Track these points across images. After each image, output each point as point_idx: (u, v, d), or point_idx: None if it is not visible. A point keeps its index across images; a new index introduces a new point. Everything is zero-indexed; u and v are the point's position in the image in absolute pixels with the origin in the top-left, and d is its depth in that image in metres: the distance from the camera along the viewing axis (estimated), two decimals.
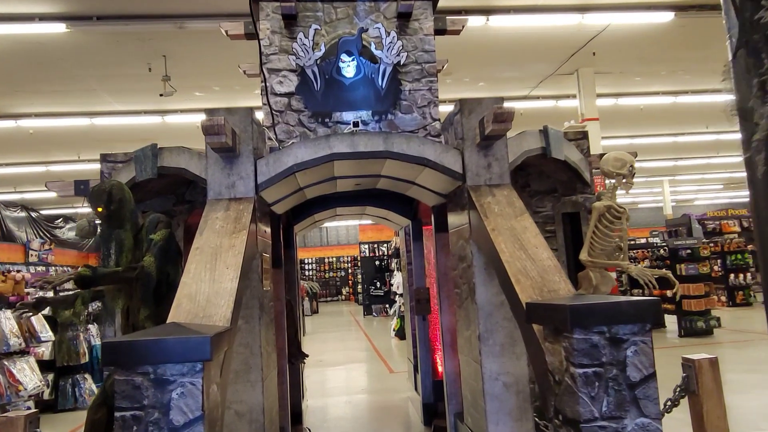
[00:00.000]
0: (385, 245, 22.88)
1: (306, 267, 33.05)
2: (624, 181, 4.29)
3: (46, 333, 7.87)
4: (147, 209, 4.55)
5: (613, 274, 4.66)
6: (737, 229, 20.95)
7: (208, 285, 3.05)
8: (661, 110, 15.39)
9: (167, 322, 2.74)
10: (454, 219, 4.43)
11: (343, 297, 32.79)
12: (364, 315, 21.04)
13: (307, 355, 6.35)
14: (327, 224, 30.41)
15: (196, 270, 3.16)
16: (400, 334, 14.39)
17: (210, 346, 2.16)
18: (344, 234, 34.16)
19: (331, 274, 33.50)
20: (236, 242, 3.38)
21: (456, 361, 5.23)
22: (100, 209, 3.99)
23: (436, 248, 5.37)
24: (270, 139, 4.97)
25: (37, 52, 9.44)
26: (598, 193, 4.44)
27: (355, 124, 4.82)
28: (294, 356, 5.74)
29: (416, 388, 7.45)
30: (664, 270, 4.30)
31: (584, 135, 5.32)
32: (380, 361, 11.41)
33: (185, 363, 2.16)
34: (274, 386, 4.28)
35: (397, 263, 16.39)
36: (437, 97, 5.36)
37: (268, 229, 4.46)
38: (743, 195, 29.21)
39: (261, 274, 3.94)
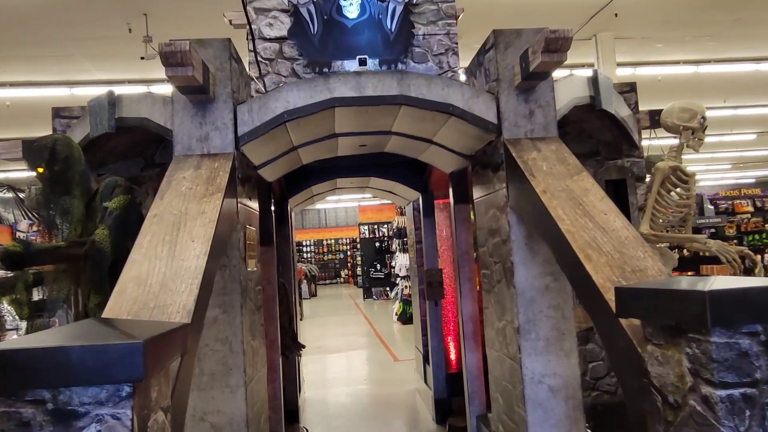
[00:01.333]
0: (386, 226, 22.06)
1: (304, 249, 32.34)
2: (693, 136, 3.47)
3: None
4: (108, 174, 3.72)
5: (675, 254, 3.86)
6: (750, 208, 20.24)
7: (166, 264, 2.24)
8: (680, 82, 14.46)
9: (100, 316, 1.93)
10: (483, 184, 3.61)
11: (342, 280, 32.12)
12: (364, 298, 20.31)
13: (304, 346, 5.58)
14: (326, 205, 29.63)
15: (152, 244, 2.35)
16: (403, 318, 13.66)
17: (143, 357, 1.36)
18: (343, 216, 33.41)
19: (330, 256, 32.83)
20: (208, 208, 2.56)
21: (479, 355, 4.45)
22: (40, 169, 3.17)
23: (454, 222, 4.55)
24: (257, 92, 4.12)
25: (7, 12, 8.51)
26: (645, 159, 3.63)
27: (361, 62, 3.95)
28: (288, 348, 4.96)
29: (426, 380, 6.70)
30: (743, 248, 3.49)
31: (632, 87, 4.48)
32: (383, 348, 10.68)
33: (104, 385, 1.36)
34: (263, 388, 3.49)
35: (398, 244, 15.60)
36: (456, 44, 4.50)
37: (255, 198, 3.64)
38: (750, 175, 28.39)
39: (244, 251, 3.14)
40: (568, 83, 3.52)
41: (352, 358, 10.18)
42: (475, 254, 4.57)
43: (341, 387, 7.92)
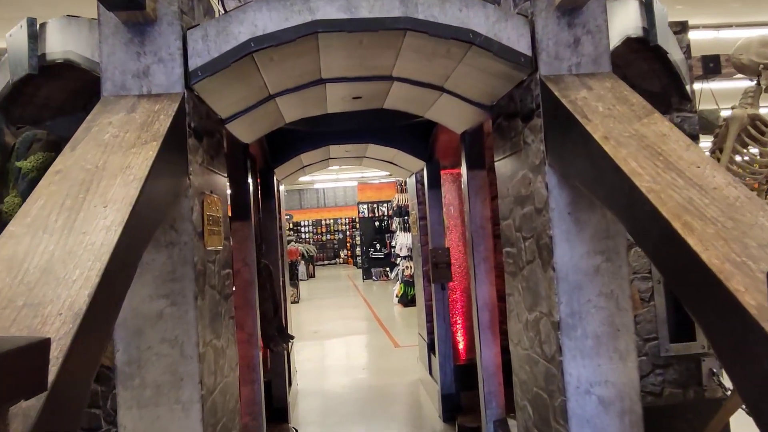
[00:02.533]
0: (386, 205, 21.34)
1: (302, 230, 31.84)
2: None
3: None
4: (29, 128, 2.97)
5: None
6: None
7: (58, 239, 1.50)
8: (696, 49, 13.58)
9: None
10: (508, 140, 2.86)
11: (342, 260, 31.59)
12: (363, 279, 19.67)
13: (292, 337, 4.88)
14: (324, 185, 28.92)
15: (43, 211, 1.61)
16: (404, 300, 13.01)
17: None
18: (342, 195, 32.78)
19: (329, 236, 32.32)
20: (135, 162, 1.82)
21: (496, 349, 3.75)
22: None
23: (467, 192, 3.81)
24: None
25: None
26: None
27: None
28: (273, 340, 4.26)
29: (431, 371, 6.03)
30: None
31: (683, 27, 3.70)
32: (383, 333, 10.03)
33: None
34: (233, 397, 2.79)
35: (399, 222, 14.88)
36: None
37: (222, 160, 2.89)
38: None
39: (201, 225, 2.40)
40: (620, 7, 2.74)
41: (350, 344, 9.53)
42: (493, 230, 3.84)
43: (338, 377, 7.26)
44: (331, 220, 32.65)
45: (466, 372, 5.43)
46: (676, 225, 1.50)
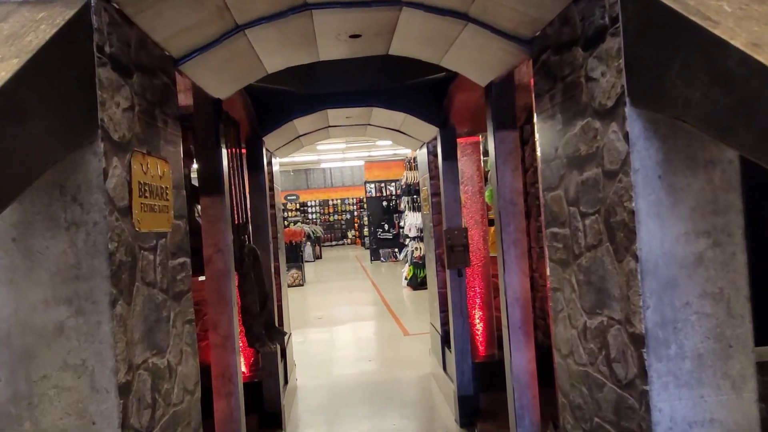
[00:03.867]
0: (393, 184, 20.59)
1: (309, 210, 31.37)
2: None
3: None
4: None
5: None
6: None
7: None
8: None
9: None
10: (560, 81, 2.09)
11: (349, 241, 31.08)
12: (371, 260, 19.01)
13: (285, 334, 4.19)
14: (331, 164, 28.24)
15: None
16: (413, 283, 12.33)
17: None
18: (349, 175, 32.15)
19: (336, 217, 31.81)
20: None
21: (530, 354, 3.02)
22: None
23: (494, 158, 3.05)
24: None
25: None
26: None
27: None
28: (259, 339, 3.55)
29: (445, 368, 5.34)
30: None
31: None
32: (392, 319, 9.35)
33: None
34: (188, 428, 2.08)
35: (408, 201, 14.13)
36: None
37: (171, 112, 2.15)
38: None
39: (129, 197, 1.67)
40: None
41: (356, 331, 8.87)
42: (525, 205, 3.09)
43: (342, 370, 6.60)
44: (339, 200, 32.16)
45: (485, 370, 4.73)
46: None
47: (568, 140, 2.05)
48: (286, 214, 29.86)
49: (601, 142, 1.80)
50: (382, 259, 18.91)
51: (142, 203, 1.77)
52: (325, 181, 32.18)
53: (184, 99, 2.91)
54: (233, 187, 3.79)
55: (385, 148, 19.80)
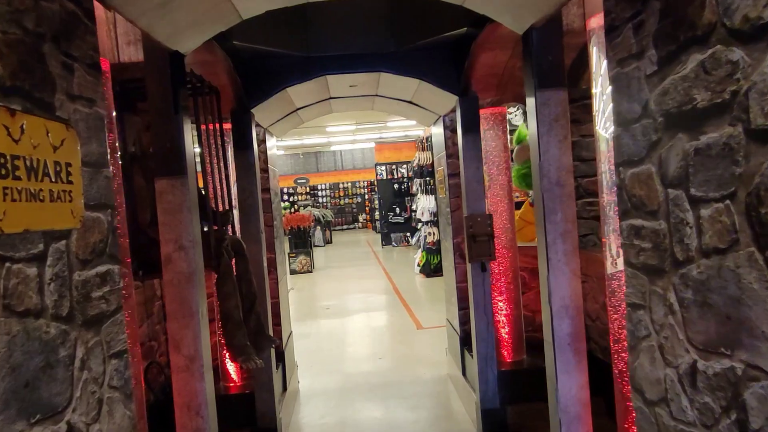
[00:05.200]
0: (405, 166, 19.86)
1: (320, 194, 30.92)
2: None
3: None
4: None
5: None
6: None
7: None
8: None
9: None
10: None
11: (360, 225, 30.57)
12: (383, 245, 18.38)
13: (275, 342, 3.55)
14: (342, 147, 27.62)
15: None
16: (426, 270, 11.70)
17: None
18: (360, 157, 31.58)
19: (347, 200, 31.32)
20: None
21: (582, 379, 2.35)
22: None
23: (537, 126, 2.35)
24: None
25: None
26: None
27: None
28: (242, 352, 2.91)
29: (464, 373, 4.70)
30: None
31: None
32: (404, 310, 8.72)
33: None
34: None
35: (420, 184, 13.41)
36: None
37: (84, 55, 1.48)
38: None
39: None
40: None
41: (366, 324, 8.26)
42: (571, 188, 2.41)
43: (350, 369, 5.99)
44: (349, 184, 31.67)
45: (513, 379, 4.08)
46: None
47: (668, 88, 1.35)
48: (296, 198, 29.38)
49: (744, 84, 1.10)
50: (393, 243, 18.29)
51: (5, 187, 1.11)
52: (336, 164, 31.59)
53: (136, 53, 2.25)
54: (210, 168, 3.13)
55: (396, 129, 19.05)
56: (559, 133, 2.33)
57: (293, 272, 13.58)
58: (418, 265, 12.22)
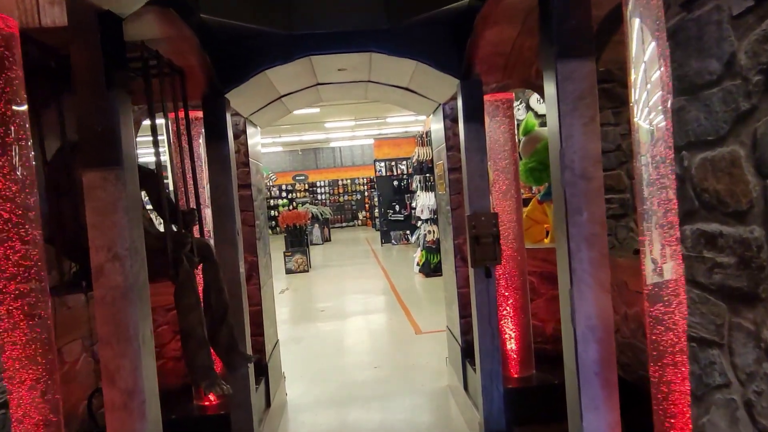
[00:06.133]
0: (404, 162, 19.41)
1: (318, 191, 30.58)
2: None
3: None
4: None
5: None
6: None
7: None
8: None
9: None
10: None
11: (360, 222, 30.19)
12: (382, 243, 17.93)
13: (251, 359, 3.10)
14: (341, 143, 27.20)
15: None
16: (426, 269, 11.28)
17: None
18: (359, 154, 31.22)
19: (346, 197, 30.96)
20: None
21: (613, 418, 1.91)
22: None
23: (557, 103, 1.90)
24: None
25: None
26: None
27: None
28: (206, 376, 2.47)
29: (466, 388, 4.26)
30: None
31: None
32: (402, 313, 8.29)
33: None
34: None
35: (420, 180, 12.96)
36: None
37: None
38: None
39: None
40: None
41: (362, 328, 7.82)
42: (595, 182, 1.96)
43: (343, 378, 5.55)
44: (349, 180, 31.36)
45: (520, 398, 3.64)
46: None
47: (763, 37, 0.91)
48: (294, 195, 28.96)
49: None
50: (393, 241, 17.85)
51: None
52: (335, 161, 31.20)
53: (60, 15, 1.81)
54: (171, 161, 2.69)
55: (395, 125, 18.60)
56: (584, 114, 1.89)
57: (289, 272, 13.15)
58: (418, 264, 11.80)
